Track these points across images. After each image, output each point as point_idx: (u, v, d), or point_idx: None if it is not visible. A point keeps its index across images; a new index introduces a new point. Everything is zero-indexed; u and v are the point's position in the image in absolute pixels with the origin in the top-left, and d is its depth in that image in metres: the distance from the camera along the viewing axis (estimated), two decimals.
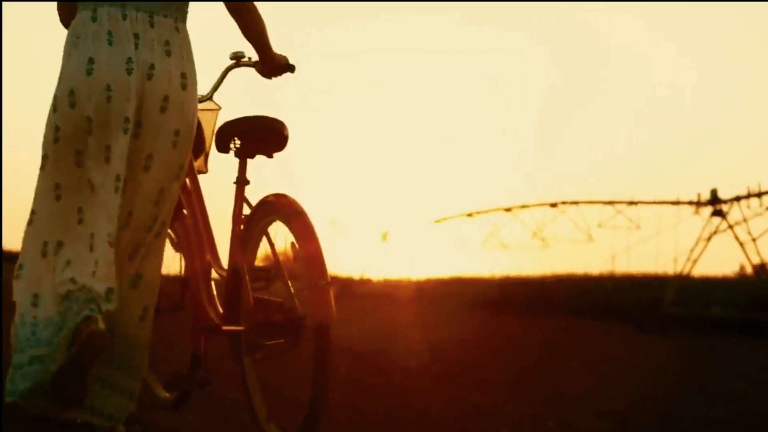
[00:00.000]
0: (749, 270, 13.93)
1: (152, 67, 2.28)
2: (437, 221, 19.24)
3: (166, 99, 2.29)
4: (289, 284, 2.38)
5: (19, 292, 2.31)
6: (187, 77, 2.34)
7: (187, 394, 2.82)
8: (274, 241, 2.47)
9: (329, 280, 2.24)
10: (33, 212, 2.33)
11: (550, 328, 10.28)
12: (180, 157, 2.37)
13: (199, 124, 2.79)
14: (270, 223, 2.49)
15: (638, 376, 5.23)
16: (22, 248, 2.34)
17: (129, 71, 2.24)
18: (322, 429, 2.28)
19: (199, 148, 2.81)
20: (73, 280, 2.23)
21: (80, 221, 2.30)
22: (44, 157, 2.32)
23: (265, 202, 2.48)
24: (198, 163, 2.83)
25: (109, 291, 2.21)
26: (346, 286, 18.22)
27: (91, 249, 2.25)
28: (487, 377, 4.75)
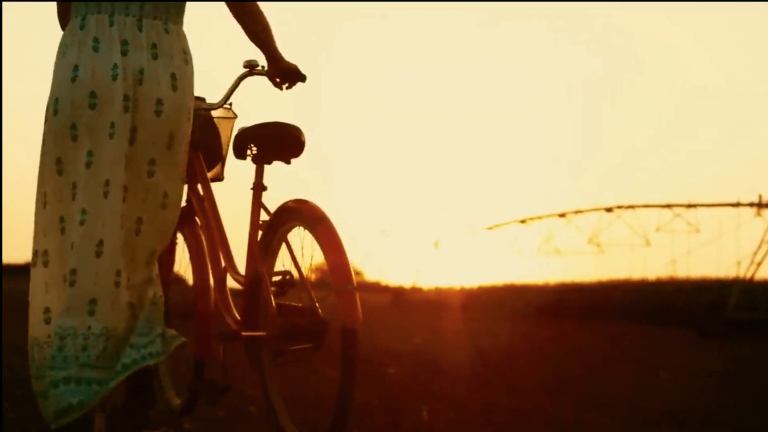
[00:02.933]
0: None
1: (141, 71, 2.28)
2: (489, 228, 19.01)
3: (159, 102, 2.30)
4: (310, 289, 2.35)
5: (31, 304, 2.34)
6: (177, 78, 2.33)
7: (196, 401, 2.79)
8: (293, 247, 2.44)
9: (355, 284, 2.22)
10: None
11: (614, 335, 10.01)
12: (176, 158, 2.37)
13: (216, 132, 2.80)
14: (291, 229, 2.46)
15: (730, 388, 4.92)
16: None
17: (114, 77, 2.25)
18: None
19: (217, 156, 2.82)
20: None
21: (62, 230, 2.30)
22: (40, 165, 2.34)
23: (285, 208, 2.45)
24: (215, 171, 2.83)
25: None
26: (399, 295, 18.10)
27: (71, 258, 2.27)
28: (564, 387, 4.55)
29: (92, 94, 2.24)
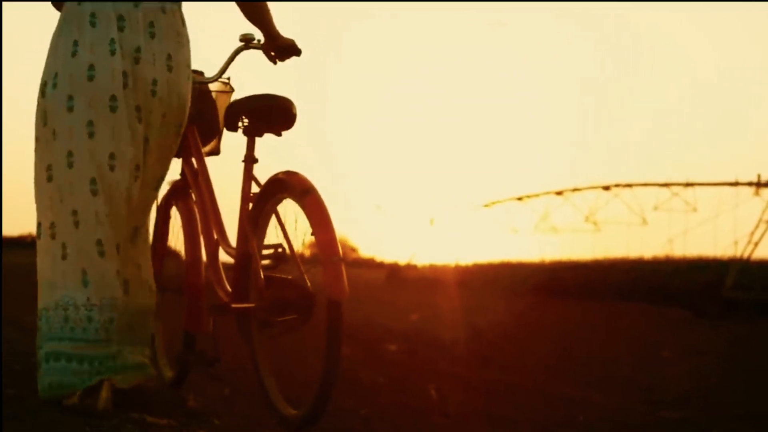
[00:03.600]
0: None
1: (138, 50, 2.28)
2: (486, 206, 18.94)
3: (155, 83, 2.30)
4: (299, 262, 2.35)
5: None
6: (173, 59, 2.33)
7: (187, 373, 2.83)
8: (283, 219, 2.44)
9: (341, 256, 2.23)
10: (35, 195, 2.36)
11: (610, 313, 9.97)
12: (169, 139, 2.38)
13: (213, 106, 2.79)
14: (280, 201, 2.47)
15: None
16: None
17: (112, 52, 2.25)
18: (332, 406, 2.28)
19: (213, 130, 2.81)
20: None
21: (63, 200, 2.28)
22: (36, 140, 2.32)
23: (275, 180, 2.45)
24: (212, 145, 2.83)
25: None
26: (394, 271, 18.05)
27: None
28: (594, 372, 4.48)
29: (90, 67, 2.24)
